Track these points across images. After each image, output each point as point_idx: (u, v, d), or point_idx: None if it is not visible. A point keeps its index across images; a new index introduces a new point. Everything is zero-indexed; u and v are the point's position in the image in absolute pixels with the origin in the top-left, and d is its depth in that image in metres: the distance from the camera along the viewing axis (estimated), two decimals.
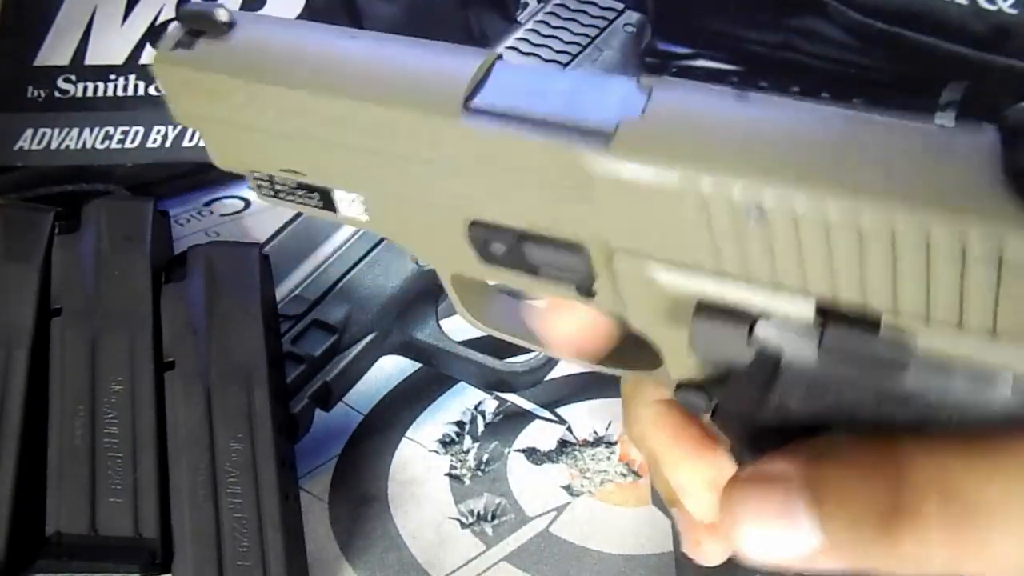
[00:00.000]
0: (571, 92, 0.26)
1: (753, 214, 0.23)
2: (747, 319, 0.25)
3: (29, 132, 0.63)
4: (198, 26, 0.30)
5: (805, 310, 0.25)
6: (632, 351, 0.33)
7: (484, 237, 0.29)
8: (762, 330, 0.25)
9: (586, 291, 0.29)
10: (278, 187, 0.32)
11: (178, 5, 0.69)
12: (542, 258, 0.29)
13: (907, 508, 0.23)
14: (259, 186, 0.33)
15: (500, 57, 0.28)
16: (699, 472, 0.33)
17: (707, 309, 0.26)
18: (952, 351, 0.24)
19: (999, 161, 0.21)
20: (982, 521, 0.23)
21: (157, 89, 0.64)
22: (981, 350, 0.23)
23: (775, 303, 0.25)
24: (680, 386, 0.30)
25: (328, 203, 0.32)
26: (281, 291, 0.55)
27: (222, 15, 0.30)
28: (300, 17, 0.68)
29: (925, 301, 0.23)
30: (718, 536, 0.34)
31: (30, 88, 0.65)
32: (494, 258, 0.30)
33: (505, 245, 0.29)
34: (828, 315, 0.24)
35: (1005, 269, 0.21)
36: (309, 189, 0.31)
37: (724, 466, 0.33)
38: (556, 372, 0.54)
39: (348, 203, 0.31)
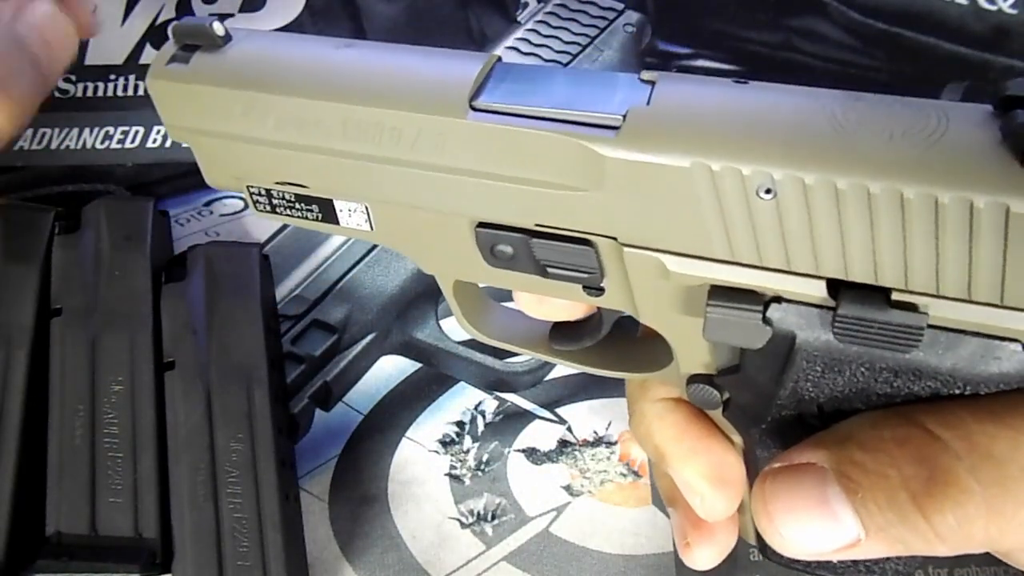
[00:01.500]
0: (575, 86, 0.27)
1: (764, 193, 0.23)
2: (760, 300, 0.26)
3: (29, 132, 0.63)
4: (193, 41, 0.30)
5: (818, 289, 0.25)
6: (637, 353, 0.33)
7: (491, 239, 0.29)
8: (775, 311, 0.26)
9: (595, 289, 0.29)
10: (275, 201, 0.32)
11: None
12: (550, 257, 0.29)
13: (941, 478, 0.23)
14: (255, 201, 0.32)
15: (500, 59, 0.28)
16: (705, 467, 0.32)
17: (721, 292, 0.26)
18: (961, 322, 0.24)
19: (996, 127, 0.22)
20: (1017, 483, 0.23)
21: None
22: (989, 319, 0.23)
23: (788, 284, 0.25)
24: (692, 380, 0.30)
25: (329, 215, 0.31)
26: (281, 291, 0.55)
27: (218, 29, 0.29)
28: (300, 17, 0.68)
29: (935, 272, 0.23)
30: (711, 540, 0.34)
31: None
32: (501, 260, 0.30)
33: (512, 246, 0.29)
34: (840, 294, 0.24)
35: (1011, 229, 0.22)
36: (308, 201, 0.31)
37: (730, 461, 0.32)
38: (556, 372, 0.54)
39: (350, 213, 0.31)
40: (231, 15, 0.68)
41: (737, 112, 0.24)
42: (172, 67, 0.30)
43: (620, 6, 0.68)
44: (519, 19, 0.68)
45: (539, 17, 0.66)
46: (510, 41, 0.65)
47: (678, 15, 0.67)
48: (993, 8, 0.61)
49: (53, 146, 0.62)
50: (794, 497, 0.25)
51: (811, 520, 0.24)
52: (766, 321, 0.26)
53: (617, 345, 0.34)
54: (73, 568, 0.43)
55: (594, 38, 0.66)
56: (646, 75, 0.26)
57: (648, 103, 0.25)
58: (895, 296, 0.24)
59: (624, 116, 0.25)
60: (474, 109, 0.26)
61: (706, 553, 0.34)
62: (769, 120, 0.24)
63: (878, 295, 0.24)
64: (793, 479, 0.25)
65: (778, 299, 0.26)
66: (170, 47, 0.30)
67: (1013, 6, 0.61)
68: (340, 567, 0.48)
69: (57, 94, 0.65)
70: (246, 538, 0.44)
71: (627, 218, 0.26)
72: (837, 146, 0.23)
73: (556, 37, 0.65)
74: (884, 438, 0.24)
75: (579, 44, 0.65)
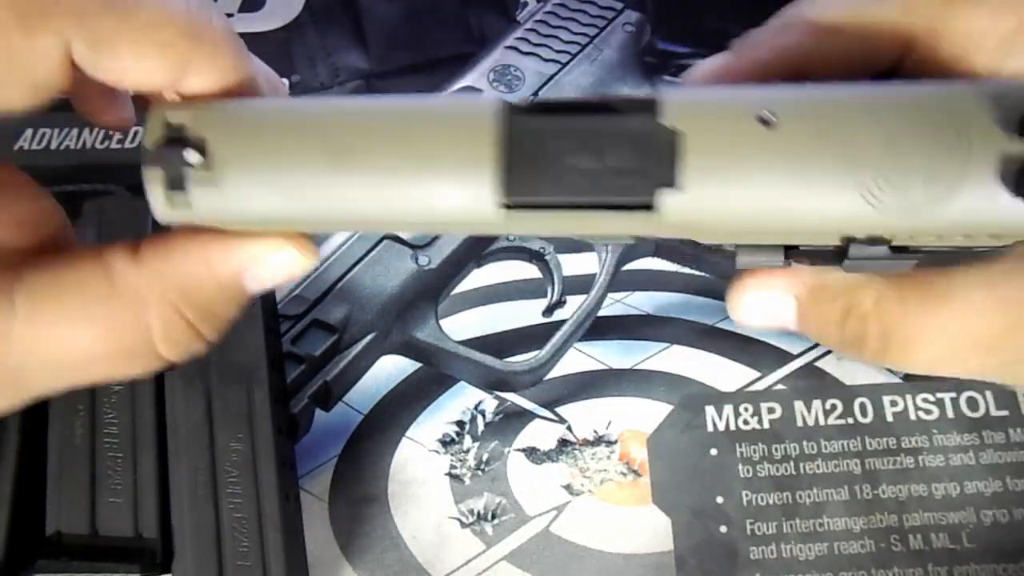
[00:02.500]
0: (597, 158, 0.26)
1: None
2: (782, 251, 0.29)
3: (29, 132, 0.63)
4: (177, 173, 0.27)
5: (830, 240, 0.28)
6: None
7: None
8: (796, 258, 0.29)
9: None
10: None
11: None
12: None
13: (858, 341, 0.30)
14: None
15: (510, 105, 0.26)
16: None
17: (746, 248, 0.29)
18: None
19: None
20: (909, 351, 0.29)
21: None
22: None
23: (805, 240, 0.28)
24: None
25: None
26: (281, 291, 0.55)
27: (193, 157, 0.27)
28: (300, 16, 0.68)
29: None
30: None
31: None
32: None
33: None
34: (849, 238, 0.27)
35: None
36: None
37: None
38: (556, 372, 0.54)
39: None
40: (231, 15, 0.68)
41: (766, 188, 0.25)
42: (178, 213, 0.28)
43: (619, 5, 0.68)
44: (519, 19, 0.68)
45: (539, 17, 0.66)
46: (510, 41, 0.65)
47: (678, 14, 0.67)
48: None
49: (53, 146, 0.62)
50: (759, 289, 0.31)
51: (766, 309, 0.31)
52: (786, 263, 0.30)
53: None
54: (73, 568, 0.43)
55: (593, 37, 0.66)
56: (667, 123, 0.25)
57: (675, 184, 0.25)
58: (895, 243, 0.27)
59: (657, 204, 0.26)
60: (507, 207, 0.26)
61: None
62: (794, 175, 0.26)
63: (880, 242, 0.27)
64: (763, 281, 0.31)
65: (797, 250, 0.29)
66: (159, 189, 0.28)
67: None
68: (340, 567, 0.48)
69: None
70: (246, 538, 0.44)
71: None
72: (849, 181, 0.25)
73: (556, 36, 0.65)
74: (838, 295, 0.30)
75: (578, 43, 0.65)
